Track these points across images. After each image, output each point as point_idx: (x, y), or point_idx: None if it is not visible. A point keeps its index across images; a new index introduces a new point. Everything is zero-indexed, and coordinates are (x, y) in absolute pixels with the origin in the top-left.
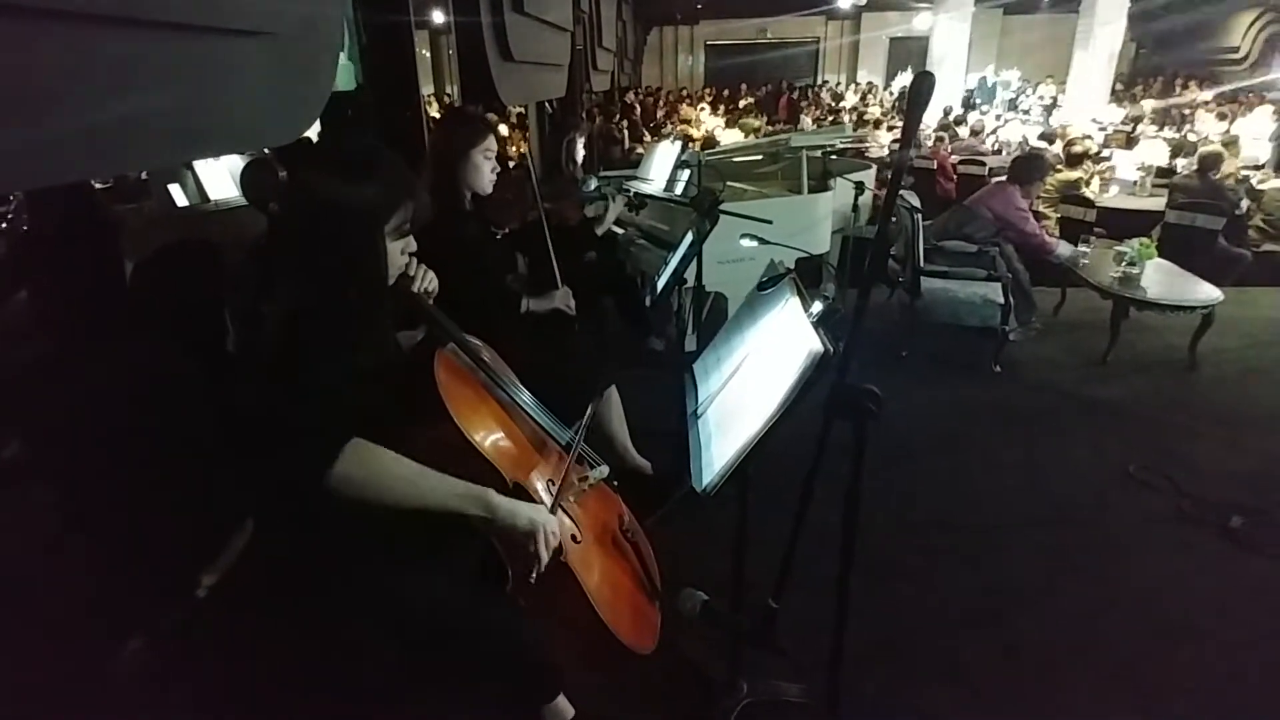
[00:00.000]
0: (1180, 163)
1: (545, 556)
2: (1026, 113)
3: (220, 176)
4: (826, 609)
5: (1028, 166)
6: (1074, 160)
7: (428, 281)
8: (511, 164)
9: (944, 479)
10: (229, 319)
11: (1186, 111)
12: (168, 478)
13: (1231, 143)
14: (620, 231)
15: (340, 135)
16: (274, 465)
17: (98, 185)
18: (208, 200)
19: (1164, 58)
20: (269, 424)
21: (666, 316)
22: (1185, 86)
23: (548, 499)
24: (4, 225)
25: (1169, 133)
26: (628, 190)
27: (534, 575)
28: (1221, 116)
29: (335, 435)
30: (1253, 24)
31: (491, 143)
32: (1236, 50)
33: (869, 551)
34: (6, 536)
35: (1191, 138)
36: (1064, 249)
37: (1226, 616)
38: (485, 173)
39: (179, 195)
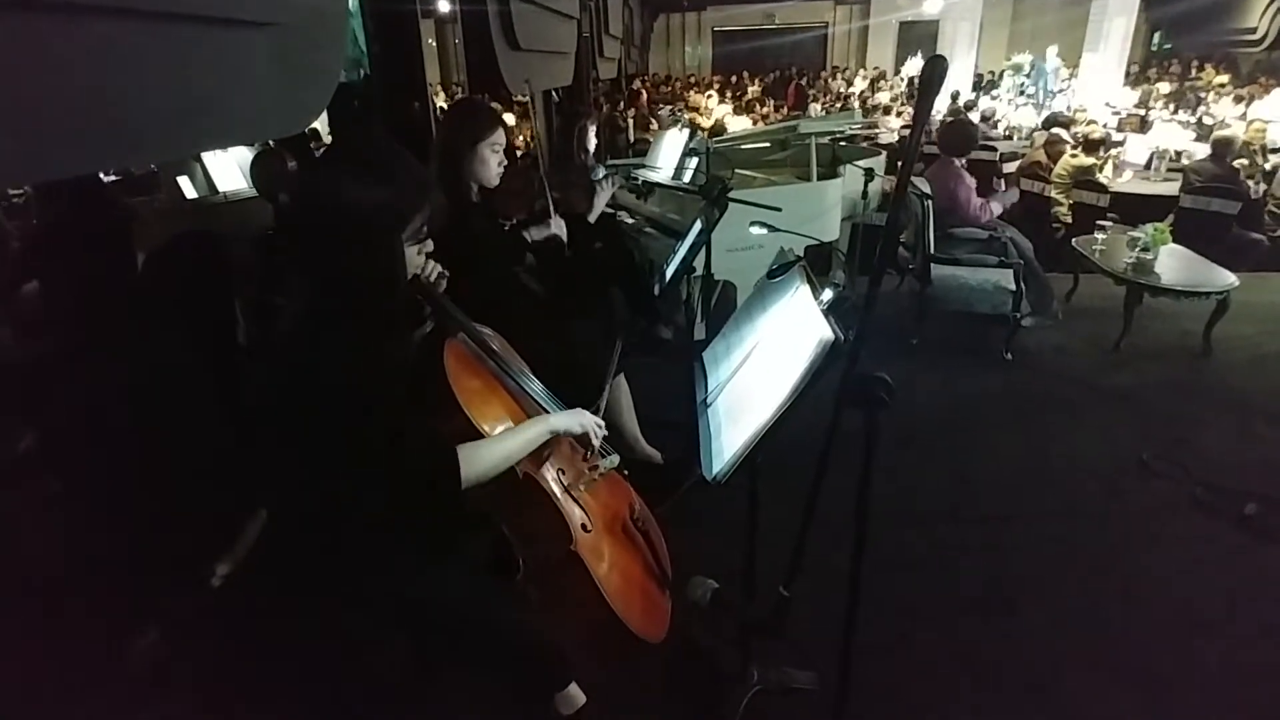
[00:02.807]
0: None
1: (598, 441)
2: (1032, 96)
3: (229, 168)
4: (836, 597)
5: (958, 135)
6: (1091, 146)
7: (435, 271)
8: (519, 153)
9: (954, 467)
10: (239, 310)
11: (1202, 94)
12: (181, 468)
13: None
14: (629, 220)
15: (349, 128)
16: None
17: (108, 178)
18: (216, 192)
19: (1180, 40)
20: (387, 461)
21: (675, 305)
22: (1201, 69)
23: (559, 490)
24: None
25: (1184, 115)
26: (615, 172)
27: (595, 447)
28: (1239, 99)
29: (445, 459)
30: (1270, 4)
31: (499, 136)
32: (1254, 31)
33: (878, 540)
34: (23, 527)
35: (1207, 121)
36: (995, 206)
37: (1241, 605)
38: (492, 166)
39: (188, 187)
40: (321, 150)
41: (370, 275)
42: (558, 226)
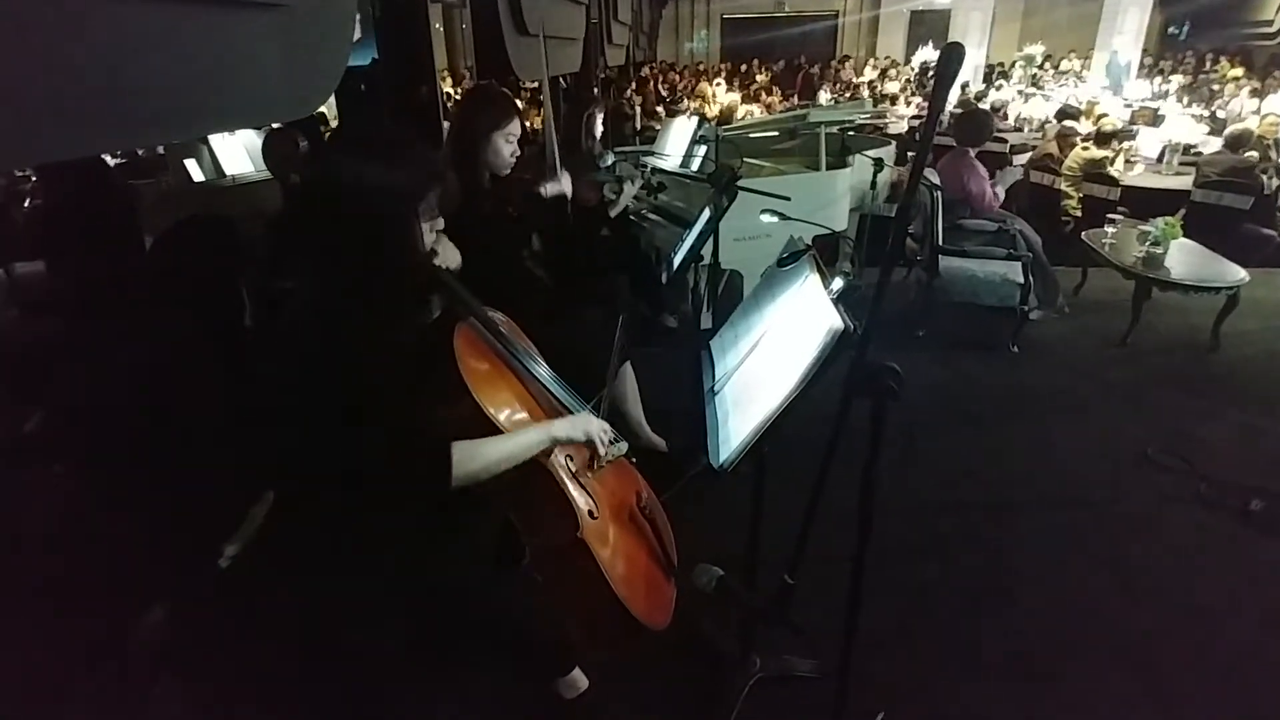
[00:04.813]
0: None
1: (604, 451)
2: (1041, 87)
3: (236, 152)
4: (839, 586)
5: (973, 125)
6: (1103, 139)
7: (451, 258)
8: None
9: (959, 459)
10: (246, 294)
11: (1215, 88)
12: (187, 450)
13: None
14: (636, 207)
15: (360, 114)
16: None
17: (114, 160)
18: (224, 175)
19: (1195, 35)
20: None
21: (681, 294)
22: (1215, 62)
23: (566, 476)
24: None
25: (1197, 109)
26: (643, 168)
27: (600, 463)
28: (1254, 93)
29: (439, 455)
30: None
31: (515, 126)
32: (1270, 24)
33: (882, 530)
34: (28, 509)
35: (1220, 115)
36: (1000, 189)
37: (1243, 599)
38: (505, 155)
39: (195, 170)
40: (329, 134)
41: (386, 254)
42: (566, 183)
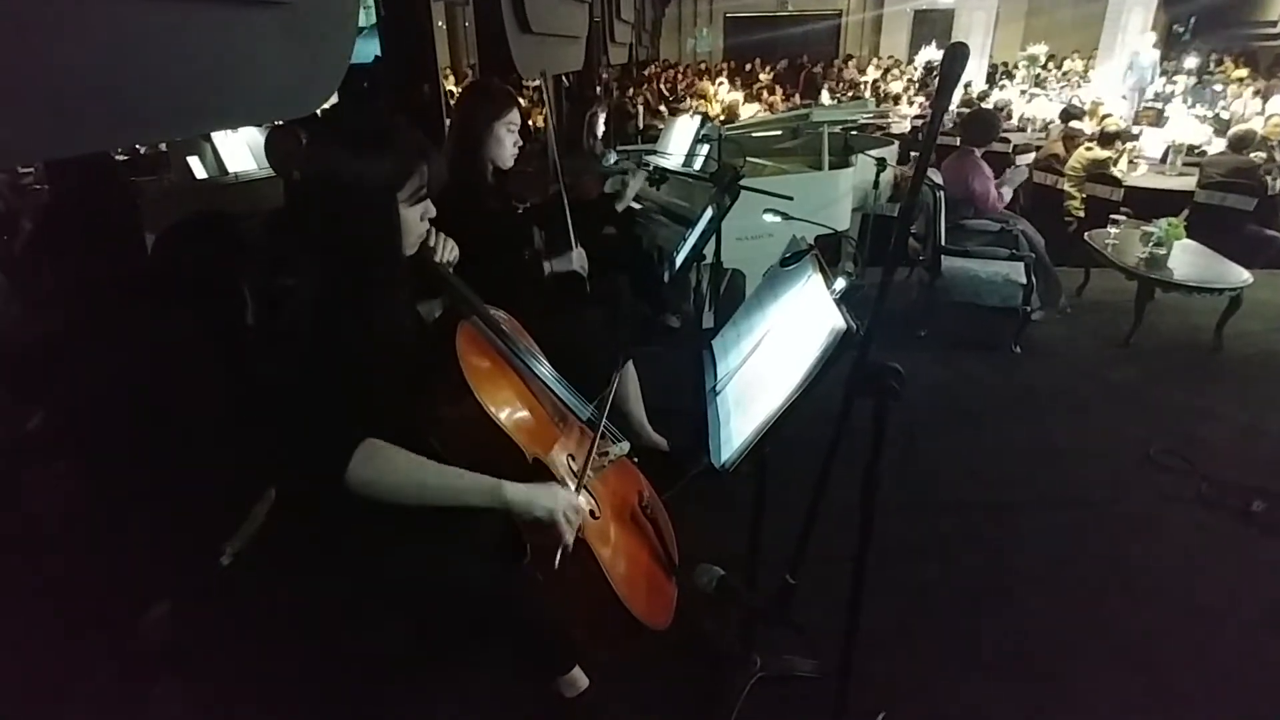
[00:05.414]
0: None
1: (569, 538)
2: (1044, 87)
3: (239, 149)
4: (840, 586)
5: (980, 125)
6: (1107, 140)
7: (449, 252)
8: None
9: (961, 459)
10: (247, 291)
11: (1219, 88)
12: (189, 447)
13: None
14: (638, 207)
15: (355, 108)
16: (291, 466)
17: (116, 157)
18: (226, 173)
19: (1200, 36)
20: (287, 420)
21: (683, 293)
22: (1220, 63)
23: (569, 475)
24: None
25: (1201, 110)
26: (647, 164)
27: (557, 558)
28: (1258, 94)
29: (347, 439)
30: None
31: (515, 116)
32: (1275, 25)
33: (884, 530)
34: (31, 506)
35: (1224, 115)
36: (1006, 190)
37: (1244, 599)
38: (508, 146)
39: (198, 168)
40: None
41: (370, 243)
42: (579, 260)
